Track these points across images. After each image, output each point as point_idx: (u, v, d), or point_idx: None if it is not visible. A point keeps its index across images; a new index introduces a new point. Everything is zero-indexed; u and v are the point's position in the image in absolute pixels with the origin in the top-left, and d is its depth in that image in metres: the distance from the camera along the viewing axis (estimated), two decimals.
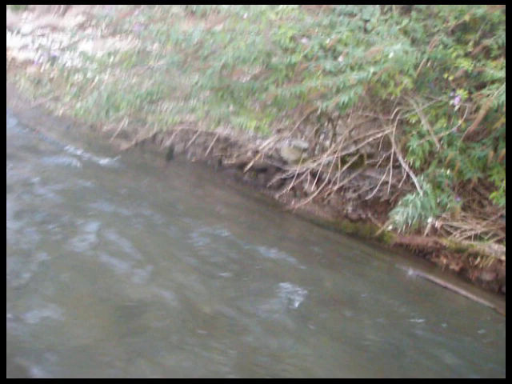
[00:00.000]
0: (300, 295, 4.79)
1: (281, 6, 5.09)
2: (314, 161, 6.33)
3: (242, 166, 7.43)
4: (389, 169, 5.93)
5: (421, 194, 5.30)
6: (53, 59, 6.22)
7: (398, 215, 5.33)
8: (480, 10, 5.57)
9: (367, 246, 6.19)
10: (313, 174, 6.53)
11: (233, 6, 5.02)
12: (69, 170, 6.64)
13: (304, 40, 5.35)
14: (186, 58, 5.34)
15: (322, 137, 7.41)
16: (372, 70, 5.13)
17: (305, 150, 7.65)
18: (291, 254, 5.61)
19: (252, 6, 5.02)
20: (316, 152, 7.23)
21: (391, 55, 5.13)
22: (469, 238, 6.07)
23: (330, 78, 5.22)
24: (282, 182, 7.11)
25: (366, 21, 5.75)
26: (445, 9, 5.84)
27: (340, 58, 5.32)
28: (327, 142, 7.22)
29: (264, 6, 5.03)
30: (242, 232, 6.01)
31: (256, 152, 7.15)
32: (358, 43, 5.51)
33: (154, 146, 7.62)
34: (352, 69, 5.26)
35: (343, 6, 5.76)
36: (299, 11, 5.24)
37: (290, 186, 6.52)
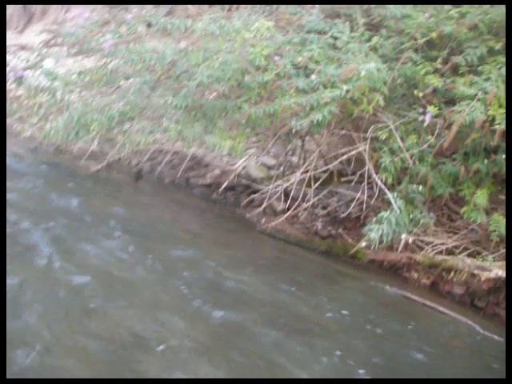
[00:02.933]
0: (272, 322, 4.74)
1: (255, 25, 5.06)
2: (287, 180, 6.28)
3: (210, 184, 7.37)
4: (362, 185, 5.93)
5: (397, 210, 5.30)
6: (19, 78, 6.05)
7: (373, 232, 5.32)
8: (448, 27, 5.66)
9: (341, 264, 6.15)
10: (285, 193, 6.49)
11: (208, 25, 4.98)
12: (33, 192, 6.48)
13: (276, 58, 5.33)
14: (158, 77, 5.27)
15: (289, 153, 7.39)
16: (345, 87, 5.15)
17: (272, 167, 7.63)
18: (263, 276, 5.56)
19: (227, 25, 4.98)
20: (284, 169, 7.21)
21: (363, 73, 5.15)
22: (440, 252, 6.10)
23: (302, 96, 5.21)
24: (252, 200, 7.05)
25: (336, 38, 5.78)
26: (412, 26, 5.90)
27: (313, 76, 5.32)
28: (294, 158, 7.20)
29: (238, 25, 5.00)
30: (212, 253, 5.93)
31: (223, 170, 7.09)
32: (330, 61, 5.51)
33: (121, 166, 7.49)
34: (325, 87, 5.26)
35: (313, 24, 5.78)
36: (273, 30, 5.21)
37: (264, 205, 6.45)
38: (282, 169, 7.27)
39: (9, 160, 6.88)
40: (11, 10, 11.18)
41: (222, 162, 7.43)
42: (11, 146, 6.76)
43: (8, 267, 4.35)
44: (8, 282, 4.35)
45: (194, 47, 5.04)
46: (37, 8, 11.32)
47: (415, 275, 6.17)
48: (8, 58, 6.69)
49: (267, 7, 5.75)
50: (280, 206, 6.78)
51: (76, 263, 5.10)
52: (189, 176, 7.59)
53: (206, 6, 6.65)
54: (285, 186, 6.27)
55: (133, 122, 5.54)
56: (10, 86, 6.47)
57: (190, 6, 6.72)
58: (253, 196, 6.93)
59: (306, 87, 5.26)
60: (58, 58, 5.96)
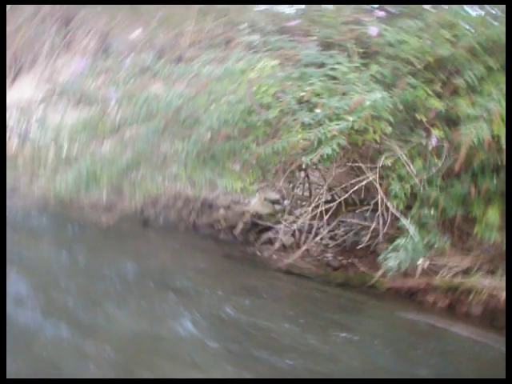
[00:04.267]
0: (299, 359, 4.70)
1: (260, 64, 5.07)
2: (297, 217, 6.26)
3: (215, 224, 7.33)
4: (375, 214, 5.92)
5: (414, 237, 5.28)
6: (24, 135, 6.01)
7: (391, 260, 5.30)
8: (445, 50, 5.68)
9: (359, 294, 6.12)
10: (298, 229, 6.48)
11: (214, 71, 4.99)
12: (42, 249, 6.44)
13: (279, 94, 5.32)
14: (165, 123, 5.25)
15: (291, 185, 7.36)
16: (351, 119, 5.15)
17: (276, 201, 7.61)
18: (283, 314, 5.52)
19: (230, 68, 4.99)
20: (289, 202, 7.18)
21: (368, 103, 5.16)
22: (456, 274, 6.07)
23: (309, 130, 5.20)
24: (259, 236, 7.00)
25: (335, 69, 5.78)
26: (409, 51, 5.92)
27: (317, 110, 5.31)
28: (298, 191, 7.18)
29: (242, 66, 5.01)
30: (229, 294, 5.86)
31: (232, 210, 7.07)
32: (331, 93, 5.51)
33: (128, 214, 7.42)
34: (330, 119, 5.26)
35: (310, 58, 5.79)
36: (277, 68, 5.22)
37: (276, 243, 6.41)
38: (286, 203, 7.25)
39: (16, 216, 6.88)
40: None
41: (227, 200, 7.39)
42: (18, 202, 6.70)
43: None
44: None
45: (199, 91, 5.05)
46: (27, 57, 11.30)
47: (433, 299, 6.15)
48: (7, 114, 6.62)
49: (265, 44, 5.73)
50: (290, 241, 6.75)
51: (96, 326, 4.93)
52: (195, 218, 7.53)
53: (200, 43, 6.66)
54: (298, 223, 6.23)
55: (141, 170, 5.50)
56: (12, 140, 6.42)
57: (183, 45, 6.73)
58: (265, 234, 6.88)
59: (312, 122, 5.25)
60: (58, 110, 5.94)
